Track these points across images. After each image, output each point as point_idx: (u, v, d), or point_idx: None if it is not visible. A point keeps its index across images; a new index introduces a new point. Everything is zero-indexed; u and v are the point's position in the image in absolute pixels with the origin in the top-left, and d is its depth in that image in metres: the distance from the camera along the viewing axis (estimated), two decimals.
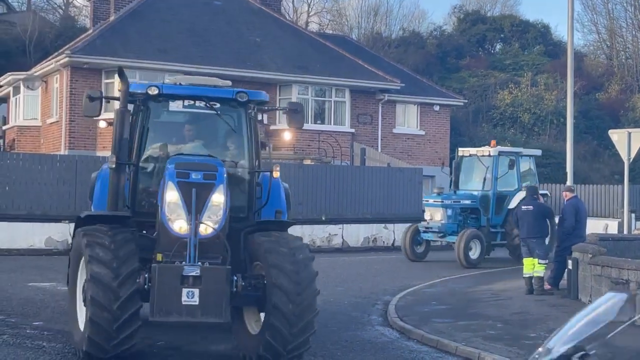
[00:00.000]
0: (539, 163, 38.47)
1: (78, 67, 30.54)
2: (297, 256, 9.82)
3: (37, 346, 10.64)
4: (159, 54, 31.33)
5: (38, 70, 33.74)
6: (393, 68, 39.57)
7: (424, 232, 23.40)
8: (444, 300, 15.47)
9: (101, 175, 11.49)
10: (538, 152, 25.86)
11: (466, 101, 42.11)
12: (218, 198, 9.77)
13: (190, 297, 9.01)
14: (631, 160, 19.50)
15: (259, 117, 11.61)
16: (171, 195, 9.73)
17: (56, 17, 51.47)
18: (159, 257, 9.63)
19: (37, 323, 12.26)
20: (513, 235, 22.45)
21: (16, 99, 35.47)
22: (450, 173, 25.19)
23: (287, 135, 11.79)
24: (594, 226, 22.36)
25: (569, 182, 21.71)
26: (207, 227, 9.58)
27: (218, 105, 10.92)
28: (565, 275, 16.54)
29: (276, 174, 10.85)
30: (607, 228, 26.46)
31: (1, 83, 36.13)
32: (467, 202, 23.23)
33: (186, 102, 11.01)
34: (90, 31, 35.85)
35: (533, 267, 16.42)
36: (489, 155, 23.51)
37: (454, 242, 22.26)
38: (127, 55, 30.24)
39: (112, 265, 9.17)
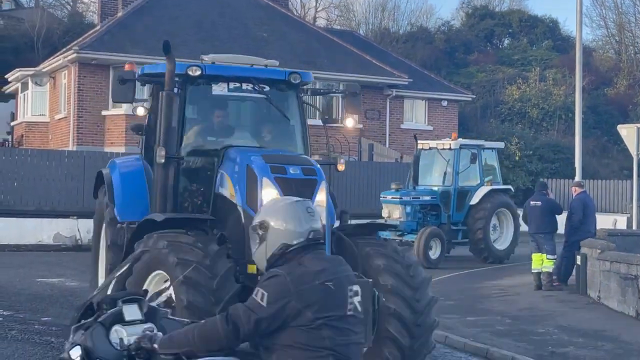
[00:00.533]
0: (548, 158, 38.68)
1: (86, 63, 30.55)
2: (416, 278, 8.43)
3: (45, 342, 10.66)
4: None
5: (46, 66, 33.79)
6: (401, 63, 39.51)
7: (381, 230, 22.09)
8: (452, 296, 15.42)
9: (118, 171, 10.07)
10: (500, 145, 24.64)
11: (474, 96, 42.02)
12: (322, 197, 8.37)
13: None
14: None
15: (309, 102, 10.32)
16: (270, 194, 8.22)
17: (64, 13, 51.52)
18: (253, 268, 8.12)
19: (45, 319, 12.28)
20: (475, 231, 21.42)
21: (24, 95, 35.54)
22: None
23: (350, 122, 10.70)
24: (602, 221, 22.28)
25: (577, 178, 21.67)
26: None
27: (267, 88, 9.57)
28: (573, 270, 16.52)
29: (341, 167, 9.72)
30: (616, 223, 26.40)
31: (9, 79, 36.21)
32: (427, 198, 21.59)
33: (231, 85, 9.52)
34: (98, 27, 35.87)
35: (541, 262, 16.38)
36: (450, 149, 22.04)
37: (413, 241, 20.41)
38: (135, 51, 30.22)
39: (212, 300, 7.61)
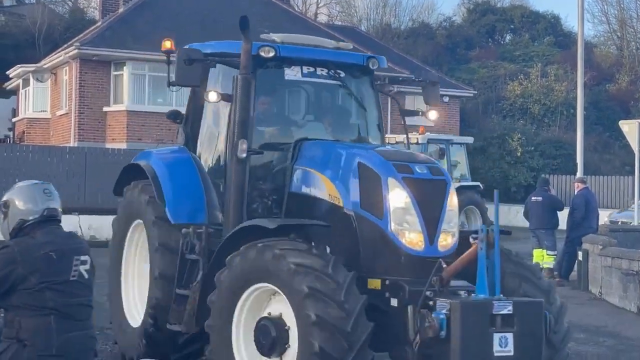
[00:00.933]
0: (549, 154, 38.64)
1: (87, 59, 30.53)
2: (555, 305, 7.34)
3: None
4: None
5: (47, 62, 33.78)
6: (402, 59, 39.44)
7: None
8: None
9: (162, 163, 8.80)
10: (470, 140, 23.89)
11: (476, 92, 41.99)
12: (454, 200, 7.43)
13: (503, 344, 6.41)
14: None
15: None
16: (399, 197, 7.16)
17: (65, 9, 51.51)
18: (376, 284, 7.07)
19: None
20: None
21: (26, 91, 35.55)
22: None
23: (433, 115, 9.48)
24: (604, 218, 22.27)
25: (579, 174, 21.67)
26: (446, 240, 7.22)
27: (343, 73, 8.57)
28: (575, 266, 16.52)
29: None
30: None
31: (11, 75, 36.21)
32: None
33: (305, 69, 8.40)
34: (99, 23, 35.86)
35: (542, 258, 16.38)
36: (417, 143, 21.59)
37: None
38: (136, 47, 30.22)
39: (343, 314, 6.51)
